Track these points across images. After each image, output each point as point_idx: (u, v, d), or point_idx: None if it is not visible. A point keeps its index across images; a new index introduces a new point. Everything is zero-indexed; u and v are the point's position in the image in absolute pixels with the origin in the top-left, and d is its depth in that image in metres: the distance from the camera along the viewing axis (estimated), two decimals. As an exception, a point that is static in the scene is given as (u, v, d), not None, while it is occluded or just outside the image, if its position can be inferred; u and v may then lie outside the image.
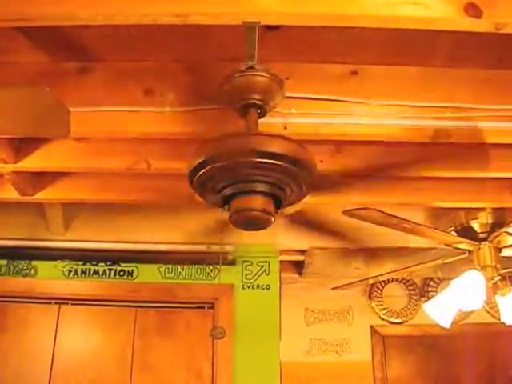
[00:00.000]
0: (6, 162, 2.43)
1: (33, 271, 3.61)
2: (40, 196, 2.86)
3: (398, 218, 2.70)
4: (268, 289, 3.64)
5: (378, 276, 3.67)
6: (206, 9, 1.52)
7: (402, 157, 2.48)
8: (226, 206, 1.82)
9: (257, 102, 1.81)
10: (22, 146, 2.46)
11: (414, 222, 2.80)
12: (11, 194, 2.81)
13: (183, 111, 2.10)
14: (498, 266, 3.02)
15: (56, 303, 3.57)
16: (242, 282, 3.65)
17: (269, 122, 1.98)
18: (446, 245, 3.14)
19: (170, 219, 3.49)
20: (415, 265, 3.35)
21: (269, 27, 1.80)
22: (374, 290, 4.56)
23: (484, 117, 2.09)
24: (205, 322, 3.57)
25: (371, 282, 4.02)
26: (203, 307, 3.63)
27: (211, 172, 1.71)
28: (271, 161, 1.67)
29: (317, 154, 2.21)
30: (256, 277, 3.65)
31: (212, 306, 3.61)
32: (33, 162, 2.47)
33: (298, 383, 4.13)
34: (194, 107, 2.09)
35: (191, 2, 1.51)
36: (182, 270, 3.67)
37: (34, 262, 3.62)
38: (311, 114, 2.09)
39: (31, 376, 3.38)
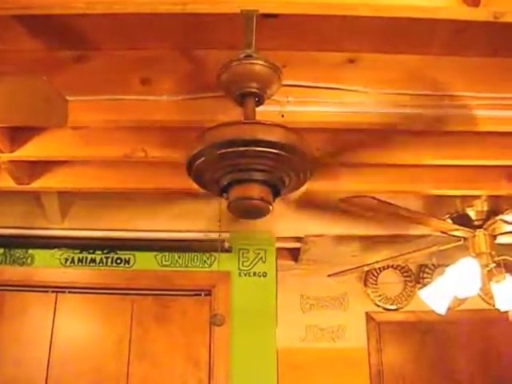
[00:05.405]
0: (1, 152, 2.43)
1: (30, 260, 3.61)
2: (36, 185, 2.86)
3: (394, 205, 2.71)
4: (264, 276, 3.66)
5: (373, 263, 3.69)
6: (203, -3, 1.53)
7: (395, 144, 2.49)
8: (225, 194, 1.83)
9: (254, 90, 1.81)
10: (18, 134, 2.45)
11: (410, 210, 2.82)
12: (7, 182, 2.81)
13: (180, 100, 2.10)
14: (493, 253, 3.04)
15: (53, 292, 3.57)
16: (239, 269, 3.66)
17: (266, 111, 1.98)
18: (442, 232, 3.15)
19: (166, 207, 3.50)
20: (411, 252, 3.37)
21: (266, 15, 1.80)
22: (369, 276, 4.58)
23: (480, 105, 2.10)
24: (202, 309, 3.59)
25: (367, 268, 4.04)
26: (200, 295, 3.65)
27: (209, 161, 1.71)
28: (269, 149, 1.67)
29: (314, 142, 2.22)
30: (253, 264, 3.67)
31: (209, 294, 3.62)
32: (29, 151, 2.46)
33: (294, 369, 4.14)
34: (192, 96, 2.09)
35: (189, -10, 1.51)
36: (179, 257, 3.68)
37: (30, 251, 3.62)
38: (308, 102, 2.10)
39: (29, 364, 3.39)
